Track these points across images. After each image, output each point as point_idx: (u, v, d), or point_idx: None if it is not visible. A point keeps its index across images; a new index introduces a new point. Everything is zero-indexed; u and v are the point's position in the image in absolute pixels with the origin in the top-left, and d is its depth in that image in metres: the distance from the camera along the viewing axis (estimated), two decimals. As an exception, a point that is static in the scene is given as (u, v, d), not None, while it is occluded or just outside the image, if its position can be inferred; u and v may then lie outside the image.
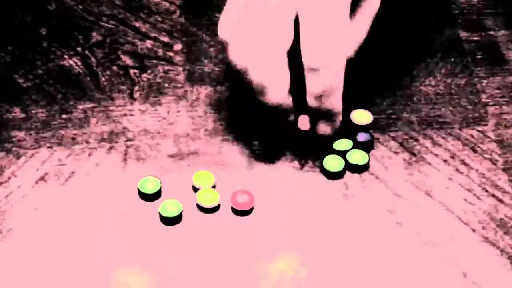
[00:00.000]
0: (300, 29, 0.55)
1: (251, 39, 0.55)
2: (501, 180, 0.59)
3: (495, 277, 0.54)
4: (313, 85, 0.56)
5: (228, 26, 0.56)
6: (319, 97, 0.56)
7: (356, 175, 0.59)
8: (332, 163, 0.59)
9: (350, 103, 0.62)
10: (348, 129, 0.61)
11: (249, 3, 0.55)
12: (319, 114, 0.57)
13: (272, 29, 0.55)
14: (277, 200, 0.58)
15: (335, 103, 0.57)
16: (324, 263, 0.55)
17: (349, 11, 0.55)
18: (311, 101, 0.57)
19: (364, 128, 0.61)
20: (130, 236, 0.56)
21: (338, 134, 0.60)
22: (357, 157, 0.59)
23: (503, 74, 0.65)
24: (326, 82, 0.55)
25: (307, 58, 0.55)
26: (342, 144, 0.60)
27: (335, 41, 0.55)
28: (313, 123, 0.58)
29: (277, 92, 0.56)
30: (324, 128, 0.58)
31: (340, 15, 0.55)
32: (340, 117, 0.58)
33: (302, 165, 0.60)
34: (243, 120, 0.62)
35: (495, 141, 0.61)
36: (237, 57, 0.56)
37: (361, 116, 0.62)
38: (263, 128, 0.62)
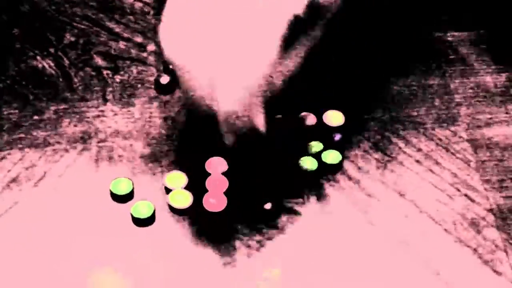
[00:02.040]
0: None
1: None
2: (474, 180, 0.59)
3: (468, 276, 0.54)
4: (222, 105, 0.54)
5: (168, 30, 0.54)
6: (228, 117, 0.54)
7: (328, 175, 0.59)
8: (307, 163, 0.59)
9: (323, 103, 0.62)
10: (322, 130, 0.61)
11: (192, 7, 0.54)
12: (228, 129, 0.55)
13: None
14: (249, 201, 0.58)
15: (247, 122, 0.55)
16: (296, 262, 0.55)
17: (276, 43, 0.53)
18: (221, 118, 0.55)
19: (337, 129, 0.61)
20: (102, 238, 0.56)
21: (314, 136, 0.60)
22: (331, 157, 0.59)
23: (476, 74, 0.66)
24: (237, 105, 0.53)
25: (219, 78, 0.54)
26: (313, 146, 0.60)
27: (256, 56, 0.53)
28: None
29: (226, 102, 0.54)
30: (229, 141, 0.56)
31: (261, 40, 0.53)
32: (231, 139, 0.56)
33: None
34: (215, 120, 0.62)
35: (467, 141, 0.61)
36: (172, 56, 0.55)
37: (333, 117, 0.62)
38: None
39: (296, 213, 0.57)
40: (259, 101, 0.55)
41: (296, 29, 0.55)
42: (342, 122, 0.61)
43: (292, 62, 0.56)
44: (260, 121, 0.55)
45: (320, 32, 0.56)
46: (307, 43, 0.56)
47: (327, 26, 0.57)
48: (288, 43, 0.55)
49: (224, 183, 0.58)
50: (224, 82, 0.53)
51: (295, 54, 0.56)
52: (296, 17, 0.54)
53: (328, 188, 0.59)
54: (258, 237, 0.56)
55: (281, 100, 0.57)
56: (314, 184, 0.59)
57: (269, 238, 0.56)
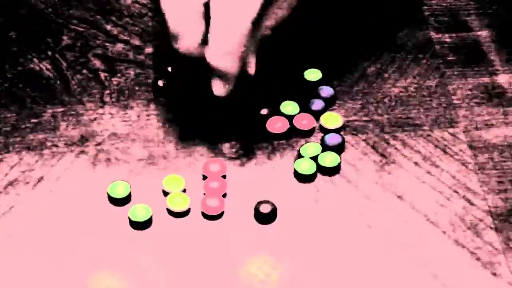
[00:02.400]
0: None
1: None
2: (472, 182, 0.59)
3: (465, 279, 0.54)
4: (215, 42, 0.56)
5: None
6: (218, 56, 0.56)
7: (327, 178, 0.59)
8: (304, 166, 0.59)
9: (322, 104, 0.62)
10: (320, 132, 0.61)
11: None
12: (215, 74, 0.57)
13: None
14: (248, 204, 0.58)
15: (234, 64, 0.56)
16: (295, 266, 0.55)
17: None
18: (210, 58, 0.56)
19: (335, 131, 0.61)
20: (100, 241, 0.56)
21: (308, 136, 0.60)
22: (329, 159, 0.59)
23: (474, 75, 0.65)
24: (229, 42, 0.55)
25: (214, 12, 0.55)
26: (310, 148, 0.60)
27: (245, 3, 0.55)
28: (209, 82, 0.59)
29: (188, 40, 0.56)
30: (216, 87, 0.58)
31: None
32: (232, 83, 0.57)
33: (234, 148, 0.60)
34: (212, 123, 0.62)
35: (466, 143, 0.61)
36: (164, 4, 0.57)
37: (331, 119, 0.61)
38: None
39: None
40: (252, 45, 0.57)
41: None
42: (341, 124, 0.61)
43: (281, 10, 0.58)
44: (252, 65, 0.57)
45: None
46: None
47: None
48: None
49: (223, 186, 0.58)
50: (216, 22, 0.55)
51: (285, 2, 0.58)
52: None
53: (326, 191, 0.59)
54: (256, 240, 0.56)
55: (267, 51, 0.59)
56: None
57: (267, 241, 0.56)
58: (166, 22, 0.57)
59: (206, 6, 0.56)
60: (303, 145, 0.60)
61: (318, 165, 0.59)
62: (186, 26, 0.56)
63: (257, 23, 0.57)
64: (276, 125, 0.61)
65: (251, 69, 0.58)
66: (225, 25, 0.55)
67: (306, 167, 0.59)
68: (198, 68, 0.59)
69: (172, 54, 0.58)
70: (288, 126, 0.61)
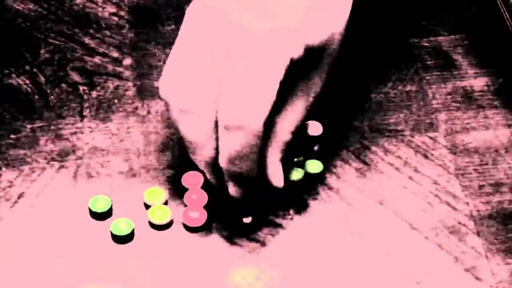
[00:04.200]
0: (223, 83, 0.52)
1: (183, 96, 0.53)
2: (453, 186, 0.59)
3: (449, 283, 0.54)
4: (225, 145, 0.52)
5: (169, 84, 0.53)
6: (231, 159, 0.53)
7: (309, 185, 0.59)
8: (292, 173, 0.59)
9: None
10: (302, 140, 0.61)
11: (189, 61, 0.53)
12: (231, 177, 0.54)
13: (203, 86, 0.52)
14: (228, 215, 0.58)
15: (248, 167, 0.53)
16: (279, 275, 0.55)
17: (277, 81, 0.51)
18: (222, 162, 0.53)
19: (316, 139, 0.61)
20: (83, 256, 0.56)
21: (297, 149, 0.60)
22: (314, 166, 0.59)
23: (453, 79, 0.66)
24: (240, 144, 0.52)
25: (222, 114, 0.52)
26: (294, 174, 0.59)
27: (255, 102, 0.51)
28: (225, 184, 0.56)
29: (204, 151, 0.54)
30: (232, 191, 0.55)
31: (268, 80, 0.51)
32: (250, 185, 0.54)
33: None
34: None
35: (446, 147, 0.61)
36: (175, 115, 0.54)
37: (311, 128, 0.61)
38: None
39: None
40: (273, 154, 0.54)
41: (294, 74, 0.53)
42: (321, 132, 0.61)
43: (298, 113, 0.55)
44: (276, 176, 0.55)
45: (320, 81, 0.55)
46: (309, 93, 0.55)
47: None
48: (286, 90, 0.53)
49: (203, 197, 0.58)
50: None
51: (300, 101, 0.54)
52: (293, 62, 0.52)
53: (309, 199, 0.59)
54: (239, 251, 0.56)
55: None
56: (297, 196, 0.59)
57: (250, 252, 0.56)
58: (179, 134, 0.54)
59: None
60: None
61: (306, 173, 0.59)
62: (201, 137, 0.53)
63: (270, 127, 0.54)
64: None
65: (277, 181, 0.55)
66: (235, 127, 0.51)
67: (295, 174, 0.59)
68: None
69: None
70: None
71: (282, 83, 0.52)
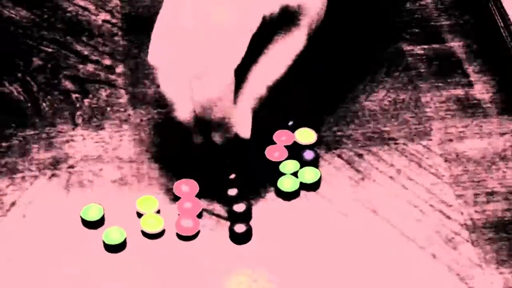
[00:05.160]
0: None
1: (168, 60, 0.56)
2: (447, 195, 0.59)
3: (443, 293, 0.54)
4: (197, 94, 0.55)
5: (155, 51, 0.56)
6: (204, 107, 0.55)
7: (302, 194, 0.59)
8: (287, 183, 0.59)
9: (295, 120, 0.62)
10: (294, 148, 0.61)
11: (170, 25, 0.56)
12: (211, 125, 0.56)
13: (183, 47, 0.55)
14: (222, 224, 0.58)
15: (224, 112, 0.56)
16: (272, 284, 0.55)
17: (247, 34, 0.55)
18: (197, 110, 0.56)
19: (309, 147, 0.61)
20: (74, 265, 0.55)
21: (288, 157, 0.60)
22: (309, 175, 0.59)
23: (448, 88, 0.65)
24: (210, 91, 0.55)
25: (194, 64, 0.55)
26: (289, 165, 0.60)
27: (225, 52, 0.54)
28: (207, 134, 0.58)
29: (183, 109, 0.56)
30: (216, 138, 0.57)
31: (239, 33, 0.55)
32: (233, 127, 0.57)
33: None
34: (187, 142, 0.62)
35: (440, 156, 0.61)
36: (161, 79, 0.56)
37: (305, 135, 0.61)
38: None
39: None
40: (245, 104, 0.56)
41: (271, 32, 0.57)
42: (315, 140, 0.61)
43: (277, 69, 0.57)
44: (244, 127, 0.56)
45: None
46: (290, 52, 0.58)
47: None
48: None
49: (196, 206, 0.57)
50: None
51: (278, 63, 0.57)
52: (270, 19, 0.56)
53: (301, 207, 0.58)
54: (233, 259, 0.56)
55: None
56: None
57: (244, 260, 0.56)
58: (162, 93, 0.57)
59: None
60: (281, 161, 0.60)
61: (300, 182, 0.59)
62: (180, 96, 0.56)
63: (241, 77, 0.56)
64: (275, 153, 0.60)
65: (243, 131, 0.57)
66: (206, 77, 0.54)
67: (289, 184, 0.59)
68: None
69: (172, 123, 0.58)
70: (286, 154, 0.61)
71: (257, 37, 0.55)
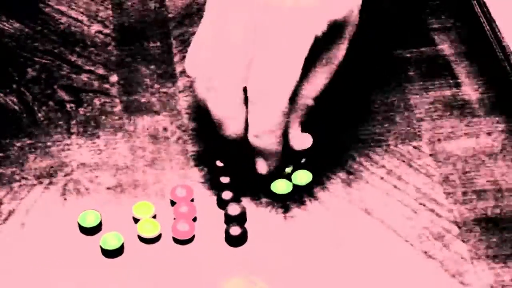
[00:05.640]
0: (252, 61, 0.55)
1: (211, 73, 0.56)
2: (438, 194, 0.60)
3: (436, 290, 0.55)
4: (252, 121, 0.56)
5: (195, 61, 0.57)
6: (256, 135, 0.56)
7: (295, 197, 0.60)
8: (280, 186, 0.60)
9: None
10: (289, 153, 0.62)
11: (217, 39, 0.56)
12: (258, 153, 0.58)
13: (230, 62, 0.55)
14: (217, 227, 0.59)
15: (273, 143, 0.57)
16: (268, 285, 0.55)
17: (302, 58, 0.55)
18: (249, 137, 0.57)
19: (305, 151, 0.62)
20: (73, 270, 0.56)
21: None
22: (301, 177, 0.60)
23: (435, 89, 0.67)
24: (266, 122, 0.55)
25: (249, 90, 0.55)
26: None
27: (281, 79, 0.55)
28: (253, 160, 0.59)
29: (234, 126, 0.56)
30: (259, 167, 0.58)
31: (294, 58, 0.55)
32: (275, 161, 0.58)
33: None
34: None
35: (430, 156, 0.62)
36: (202, 92, 0.57)
37: (301, 141, 0.62)
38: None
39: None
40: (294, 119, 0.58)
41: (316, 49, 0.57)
42: (310, 145, 0.62)
43: (321, 79, 0.58)
44: (296, 139, 0.58)
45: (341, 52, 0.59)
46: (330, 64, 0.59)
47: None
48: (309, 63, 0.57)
49: (192, 210, 0.58)
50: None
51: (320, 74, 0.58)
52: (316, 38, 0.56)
53: (295, 210, 0.59)
54: (229, 262, 0.57)
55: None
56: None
57: (240, 263, 0.57)
58: (208, 112, 0.57)
59: (245, 90, 0.56)
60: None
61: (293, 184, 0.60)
62: (230, 112, 0.56)
63: (293, 99, 0.57)
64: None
65: (297, 144, 0.59)
66: (262, 104, 0.55)
67: (283, 187, 0.60)
68: (244, 150, 0.59)
69: (220, 144, 0.59)
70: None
71: (309, 56, 0.56)
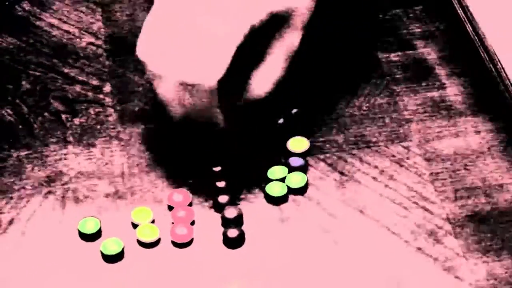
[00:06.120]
0: None
1: (158, 59, 0.59)
2: (429, 192, 0.61)
3: (430, 284, 0.56)
4: (182, 100, 0.59)
5: (145, 47, 0.60)
6: (187, 113, 0.60)
7: (290, 198, 0.61)
8: (275, 188, 0.61)
9: (286, 129, 0.64)
10: (283, 155, 0.63)
11: (169, 25, 0.59)
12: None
13: (174, 49, 0.59)
14: (215, 230, 0.60)
15: (207, 120, 0.60)
16: (267, 286, 0.56)
17: (234, 46, 0.58)
18: (183, 112, 0.60)
19: (301, 155, 0.63)
20: (74, 277, 0.57)
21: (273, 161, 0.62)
22: (296, 180, 0.61)
23: (423, 90, 0.68)
24: (193, 100, 0.59)
25: (181, 72, 0.59)
26: (277, 172, 0.62)
27: (210, 63, 0.58)
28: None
29: (175, 109, 0.60)
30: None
31: (225, 44, 0.58)
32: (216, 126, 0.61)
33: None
34: (175, 155, 0.64)
35: (420, 155, 0.64)
36: (150, 76, 0.60)
37: (298, 144, 0.63)
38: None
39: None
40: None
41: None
42: (307, 148, 0.63)
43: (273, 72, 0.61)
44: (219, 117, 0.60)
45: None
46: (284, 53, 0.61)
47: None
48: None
49: (190, 214, 0.59)
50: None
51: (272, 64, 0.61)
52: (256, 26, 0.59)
53: (291, 211, 0.60)
54: (227, 264, 0.58)
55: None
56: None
57: (238, 265, 0.58)
58: (155, 94, 0.61)
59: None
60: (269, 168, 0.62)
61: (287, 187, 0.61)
62: (172, 96, 0.60)
63: (239, 79, 0.60)
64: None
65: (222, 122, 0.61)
66: (192, 82, 0.58)
67: (278, 189, 0.61)
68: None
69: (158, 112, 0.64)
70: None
71: (251, 44, 0.59)
